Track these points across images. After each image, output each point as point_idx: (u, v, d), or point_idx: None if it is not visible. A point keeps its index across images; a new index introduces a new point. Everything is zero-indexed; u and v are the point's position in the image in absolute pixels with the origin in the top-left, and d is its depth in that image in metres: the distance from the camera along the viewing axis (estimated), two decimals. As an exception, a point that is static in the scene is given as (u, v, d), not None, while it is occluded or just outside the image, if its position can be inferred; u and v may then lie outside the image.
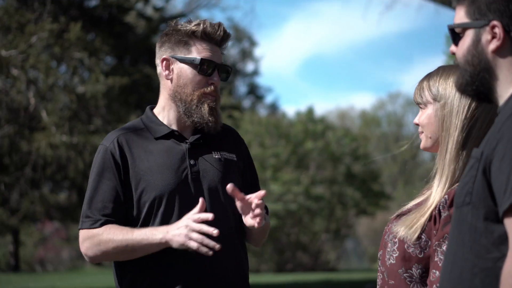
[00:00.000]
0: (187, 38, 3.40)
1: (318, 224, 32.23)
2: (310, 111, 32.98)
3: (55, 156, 13.34)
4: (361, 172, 32.36)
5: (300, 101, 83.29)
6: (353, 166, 32.21)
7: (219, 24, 3.42)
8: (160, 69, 3.45)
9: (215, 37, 3.41)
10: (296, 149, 31.04)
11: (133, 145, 3.37)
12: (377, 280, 3.07)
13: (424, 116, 3.02)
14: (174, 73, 3.41)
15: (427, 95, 3.01)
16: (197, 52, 3.39)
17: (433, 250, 2.86)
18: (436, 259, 2.85)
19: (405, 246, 2.93)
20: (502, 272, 2.05)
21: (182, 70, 3.39)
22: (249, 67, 52.58)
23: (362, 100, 76.87)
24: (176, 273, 3.29)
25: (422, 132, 3.04)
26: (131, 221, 3.32)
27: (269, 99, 66.97)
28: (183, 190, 3.29)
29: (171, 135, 3.42)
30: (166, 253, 3.27)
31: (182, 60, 3.39)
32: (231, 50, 49.35)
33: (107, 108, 14.44)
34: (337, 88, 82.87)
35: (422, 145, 3.07)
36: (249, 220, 3.26)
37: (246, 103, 48.88)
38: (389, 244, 3.00)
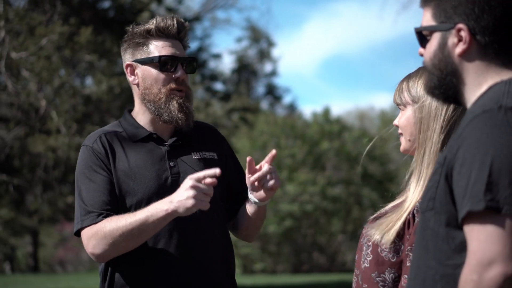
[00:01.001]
0: (143, 39, 3.38)
1: (334, 225, 32.15)
2: (326, 112, 32.92)
3: (64, 158, 13.38)
4: (378, 172, 32.26)
5: (320, 101, 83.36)
6: (370, 167, 32.12)
7: (172, 18, 3.40)
8: (127, 75, 3.45)
9: (171, 31, 3.38)
10: (312, 149, 30.99)
11: (114, 146, 3.36)
12: (352, 283, 3.05)
13: (403, 118, 2.99)
14: (139, 76, 3.39)
15: (406, 97, 2.97)
16: (156, 50, 3.36)
17: (405, 255, 2.83)
18: (408, 264, 2.82)
19: (379, 250, 2.91)
20: (460, 280, 2.01)
21: (145, 72, 3.37)
22: (267, 67, 52.62)
23: (381, 101, 76.68)
24: (162, 274, 3.26)
25: (402, 134, 3.01)
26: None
27: (287, 99, 66.97)
28: (163, 193, 3.25)
29: (149, 137, 3.40)
30: (152, 253, 3.26)
31: (143, 62, 3.37)
32: (249, 51, 49.36)
33: (120, 110, 14.47)
34: (357, 88, 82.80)
35: (402, 148, 3.04)
36: (261, 193, 3.25)
37: (264, 103, 48.86)
38: (364, 247, 2.97)
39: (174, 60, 3.35)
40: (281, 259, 31.84)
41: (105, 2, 17.12)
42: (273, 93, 49.62)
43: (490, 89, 2.17)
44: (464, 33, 2.18)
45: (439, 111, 2.86)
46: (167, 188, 3.28)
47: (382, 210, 3.07)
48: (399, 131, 3.03)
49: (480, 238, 1.98)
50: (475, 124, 2.07)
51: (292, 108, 49.14)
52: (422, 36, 2.28)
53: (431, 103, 2.87)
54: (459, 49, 2.20)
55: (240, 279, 29.69)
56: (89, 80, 17.18)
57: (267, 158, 3.21)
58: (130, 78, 3.42)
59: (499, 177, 1.98)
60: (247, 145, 29.18)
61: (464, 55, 2.20)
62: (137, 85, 3.40)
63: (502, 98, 2.09)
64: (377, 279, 2.92)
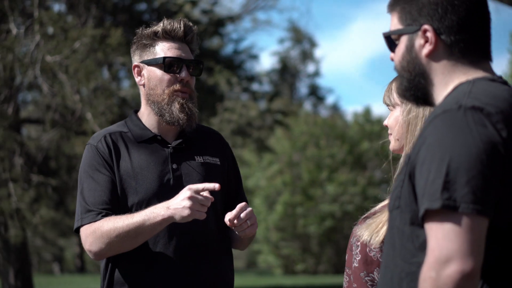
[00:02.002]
0: (150, 41, 3.42)
1: (376, 225, 31.94)
2: (367, 112, 32.80)
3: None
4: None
5: (364, 101, 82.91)
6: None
7: (179, 21, 3.42)
8: (134, 76, 3.49)
9: (177, 33, 3.41)
10: (352, 149, 30.90)
11: (118, 146, 3.39)
12: (343, 283, 3.08)
13: (392, 118, 3.02)
14: (145, 77, 3.43)
15: (395, 97, 3.00)
16: (161, 51, 3.40)
17: None
18: None
19: (367, 250, 2.94)
20: (419, 277, 2.03)
21: (151, 73, 3.41)
22: (310, 68, 52.60)
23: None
24: (160, 275, 3.29)
25: (391, 134, 3.03)
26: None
27: (330, 100, 66.81)
28: (165, 195, 3.27)
29: (153, 139, 3.42)
30: (151, 253, 3.29)
31: (149, 63, 3.41)
32: (291, 52, 49.40)
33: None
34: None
35: (391, 147, 3.06)
36: (241, 233, 3.28)
37: (307, 104, 48.86)
38: (353, 247, 3.00)
39: (179, 61, 3.38)
40: (322, 260, 31.80)
41: (141, 5, 17.26)
42: (316, 93, 49.61)
43: (455, 89, 2.18)
44: (429, 34, 2.20)
45: (426, 112, 2.87)
46: (169, 190, 3.30)
47: (372, 210, 3.09)
48: (388, 131, 3.05)
49: (438, 236, 1.99)
50: (435, 124, 2.08)
51: (335, 108, 49.08)
52: (391, 41, 2.30)
53: None
54: (425, 50, 2.21)
55: (280, 279, 29.67)
56: (126, 82, 17.34)
57: (234, 213, 3.22)
58: (137, 79, 3.46)
59: (456, 176, 1.99)
60: (287, 146, 29.16)
61: (431, 55, 2.21)
62: (143, 85, 3.44)
63: (462, 98, 2.10)
64: (366, 278, 2.94)
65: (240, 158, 30.71)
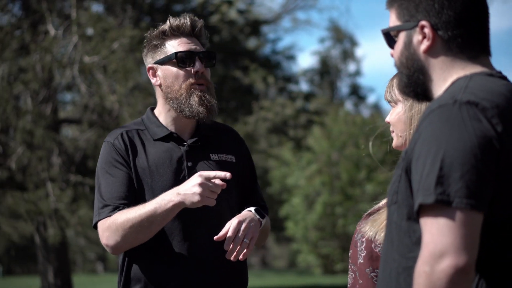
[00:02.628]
0: (160, 41, 3.44)
1: (416, 224, 31.68)
2: (406, 111, 32.51)
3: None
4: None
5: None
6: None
7: (185, 16, 3.45)
8: (150, 78, 3.52)
9: (185, 28, 3.42)
10: (391, 148, 30.63)
11: (135, 143, 3.42)
12: (348, 279, 3.08)
13: (394, 115, 3.01)
14: (160, 77, 3.45)
15: (396, 94, 2.99)
16: (172, 48, 3.42)
17: None
18: None
19: (372, 246, 2.93)
20: (414, 271, 2.03)
21: (165, 71, 3.43)
22: (351, 67, 52.37)
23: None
24: (173, 277, 3.32)
25: (393, 131, 3.03)
26: None
27: (372, 99, 66.50)
28: None
29: (169, 137, 3.45)
30: (165, 255, 3.32)
31: (162, 62, 3.43)
32: (332, 51, 49.30)
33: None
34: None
35: (394, 144, 3.05)
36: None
37: (348, 104, 48.70)
38: (358, 243, 2.99)
39: (191, 54, 3.40)
40: (362, 260, 31.56)
41: (177, 6, 17.35)
42: (357, 93, 49.42)
43: (452, 84, 2.18)
44: (427, 30, 2.20)
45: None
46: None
47: (376, 206, 3.09)
48: (391, 128, 3.05)
49: (432, 231, 2.00)
50: (430, 119, 2.08)
51: (376, 107, 48.82)
52: (390, 37, 2.31)
53: None
54: (423, 46, 2.22)
55: (319, 279, 29.52)
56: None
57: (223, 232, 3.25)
58: (153, 80, 3.48)
59: (450, 171, 1.99)
60: (325, 145, 29.07)
61: (429, 51, 2.22)
62: (160, 85, 3.46)
63: (458, 92, 2.10)
64: (372, 274, 2.94)
65: (278, 157, 30.67)
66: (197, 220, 3.30)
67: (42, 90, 13.79)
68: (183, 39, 3.42)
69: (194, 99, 3.36)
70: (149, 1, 16.44)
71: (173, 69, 3.41)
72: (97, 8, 16.84)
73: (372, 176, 29.59)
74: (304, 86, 45.76)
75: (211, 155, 3.46)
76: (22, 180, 13.83)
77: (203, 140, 3.46)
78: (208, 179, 3.14)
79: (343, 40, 49.48)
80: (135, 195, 3.34)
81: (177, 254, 3.32)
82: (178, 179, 3.35)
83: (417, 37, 2.22)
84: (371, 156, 30.27)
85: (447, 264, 1.96)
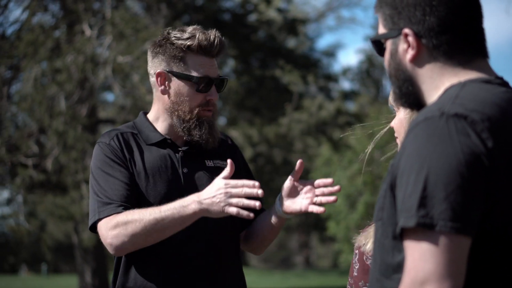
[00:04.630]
0: (182, 54, 3.31)
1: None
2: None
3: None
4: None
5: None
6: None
7: (215, 36, 3.32)
8: (154, 81, 3.37)
9: (212, 50, 3.32)
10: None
11: (131, 145, 3.33)
12: None
13: (397, 120, 2.95)
14: (171, 89, 3.33)
15: None
16: (194, 68, 3.31)
17: None
18: None
19: (364, 258, 2.91)
20: None
21: (180, 87, 3.32)
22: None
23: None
24: (170, 283, 3.25)
25: (397, 137, 2.98)
26: None
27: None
28: (175, 199, 3.19)
29: (163, 142, 3.37)
30: (162, 260, 3.24)
31: (179, 77, 3.31)
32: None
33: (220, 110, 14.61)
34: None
35: (398, 149, 2.93)
36: (290, 205, 3.21)
37: (394, 102, 48.44)
38: (353, 255, 2.93)
39: (210, 81, 3.32)
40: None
41: (214, 5, 17.29)
42: (403, 91, 49.12)
43: (445, 91, 2.02)
44: (411, 38, 2.05)
45: None
46: (179, 195, 3.22)
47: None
48: (395, 134, 2.98)
49: (414, 256, 1.86)
50: (415, 132, 1.93)
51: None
52: (380, 45, 2.16)
53: None
54: (408, 55, 2.06)
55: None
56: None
57: (323, 182, 3.18)
58: (161, 87, 3.34)
59: (434, 191, 1.84)
60: (366, 144, 28.90)
61: (415, 60, 2.06)
62: (168, 95, 3.34)
63: (446, 103, 1.94)
64: None
65: (318, 157, 30.59)
66: (195, 224, 3.19)
67: (77, 91, 13.81)
68: (205, 60, 3.31)
69: (206, 127, 3.32)
70: (186, 1, 16.42)
71: (190, 90, 3.31)
72: (134, 7, 16.87)
73: (381, 186, 29.42)
74: (346, 85, 45.59)
75: (206, 161, 3.39)
76: (58, 182, 13.89)
77: (197, 147, 3.38)
78: (234, 186, 3.05)
79: (387, 39, 49.23)
80: (135, 195, 3.23)
81: (174, 258, 3.24)
82: (173, 186, 3.28)
83: (402, 45, 2.07)
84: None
85: None
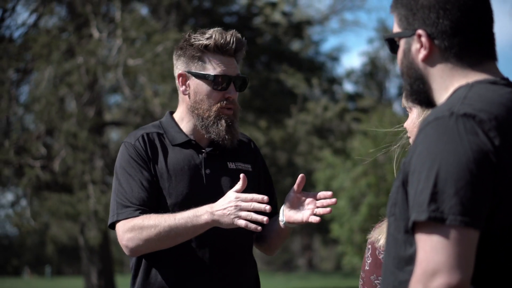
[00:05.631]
0: (200, 53, 3.39)
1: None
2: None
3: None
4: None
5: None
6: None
7: (232, 35, 3.40)
8: (177, 83, 3.48)
9: (228, 49, 3.39)
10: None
11: (155, 146, 3.42)
12: (359, 286, 3.09)
13: (410, 121, 3.02)
14: (191, 88, 3.42)
15: None
16: (211, 67, 3.38)
17: None
18: None
19: (377, 253, 2.95)
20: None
21: (198, 86, 3.40)
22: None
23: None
24: (188, 279, 3.33)
25: (410, 137, 3.05)
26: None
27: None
28: (197, 200, 3.30)
29: (188, 143, 3.44)
30: (178, 262, 3.33)
31: (197, 76, 3.40)
32: (381, 52, 49.11)
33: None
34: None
35: (410, 148, 3.02)
36: (292, 215, 3.31)
37: (397, 105, 48.42)
38: (366, 250, 3.02)
39: (228, 79, 3.38)
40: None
41: (221, 8, 17.38)
42: (406, 94, 49.07)
43: (454, 92, 2.13)
44: (424, 39, 2.15)
45: None
46: (201, 195, 3.34)
47: None
48: (408, 134, 3.05)
49: (425, 248, 1.95)
50: (426, 131, 2.03)
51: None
52: (394, 44, 2.26)
53: None
54: (421, 55, 2.17)
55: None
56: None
57: (323, 194, 3.29)
58: (181, 88, 3.45)
59: (445, 187, 1.94)
60: (370, 147, 28.90)
61: (427, 60, 2.16)
62: (188, 95, 3.44)
63: (456, 104, 2.04)
64: (375, 281, 2.97)
65: (322, 159, 30.55)
66: (212, 228, 3.27)
67: (86, 93, 13.91)
68: (223, 59, 3.39)
69: (222, 125, 3.37)
70: (194, 5, 16.49)
71: (207, 88, 3.38)
72: (142, 10, 16.95)
73: (393, 183, 29.37)
74: (350, 87, 45.62)
75: (228, 163, 3.45)
76: (65, 182, 13.96)
77: (220, 149, 3.45)
78: (244, 200, 3.16)
79: (392, 41, 49.19)
80: (154, 198, 3.33)
81: (189, 262, 3.33)
82: (195, 186, 3.36)
83: (415, 45, 2.18)
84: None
85: (440, 283, 1.91)
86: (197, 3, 16.68)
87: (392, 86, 50.04)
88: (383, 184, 28.89)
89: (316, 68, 18.95)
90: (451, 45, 2.14)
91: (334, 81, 21.29)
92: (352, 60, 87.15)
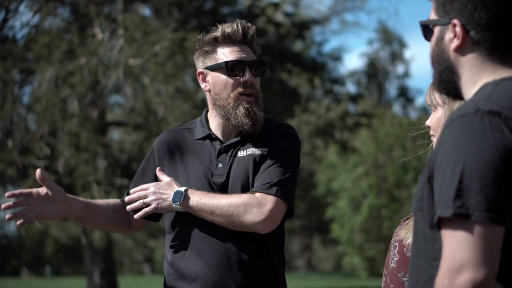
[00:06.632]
0: (212, 47, 3.45)
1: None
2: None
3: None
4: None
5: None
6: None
7: (237, 23, 3.44)
8: (200, 82, 3.54)
9: (237, 36, 3.42)
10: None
11: (175, 142, 3.54)
12: (382, 283, 3.11)
13: (434, 119, 3.02)
14: (210, 83, 3.47)
15: (437, 98, 3.00)
16: (224, 56, 3.42)
17: None
18: None
19: (405, 250, 2.97)
20: (434, 284, 2.01)
21: (215, 78, 3.44)
22: (399, 69, 52.09)
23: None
24: (194, 276, 3.38)
25: (433, 135, 3.05)
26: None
27: (420, 101, 65.95)
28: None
29: (208, 137, 3.49)
30: (189, 247, 3.39)
31: (212, 69, 3.45)
32: (381, 53, 49.10)
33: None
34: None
35: (434, 147, 3.04)
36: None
37: (396, 106, 48.46)
38: (392, 248, 3.02)
39: (241, 64, 3.40)
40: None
41: (224, 8, 17.40)
42: (405, 94, 49.12)
43: (480, 89, 2.14)
44: (458, 29, 2.16)
45: None
46: (210, 188, 3.39)
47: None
48: (431, 132, 3.05)
49: (451, 244, 1.97)
50: (452, 128, 2.05)
51: (425, 109, 48.47)
52: (428, 30, 2.28)
53: (460, 104, 2.87)
54: (453, 44, 2.18)
55: (365, 281, 29.44)
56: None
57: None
58: (202, 85, 3.51)
59: (470, 183, 1.97)
60: (372, 148, 28.95)
61: (459, 50, 2.18)
62: (209, 91, 3.48)
63: (481, 101, 2.05)
64: (403, 279, 2.97)
65: (324, 160, 30.58)
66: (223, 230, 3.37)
67: (89, 93, 13.93)
68: (235, 47, 3.42)
69: (241, 110, 3.37)
70: (196, 4, 16.50)
71: (223, 77, 3.42)
72: (145, 11, 16.96)
73: (419, 178, 29.40)
74: (351, 88, 45.61)
75: (239, 152, 3.43)
76: (69, 183, 13.97)
77: (244, 139, 3.45)
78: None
79: (391, 42, 49.25)
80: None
81: (198, 255, 3.37)
82: (204, 180, 3.40)
83: (449, 34, 2.19)
84: (418, 159, 29.98)
85: (465, 278, 1.93)
86: (199, 3, 16.71)
87: (392, 87, 50.07)
88: (384, 185, 28.93)
89: (318, 69, 18.95)
90: (484, 38, 2.15)
91: (336, 81, 21.31)
92: (352, 61, 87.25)
